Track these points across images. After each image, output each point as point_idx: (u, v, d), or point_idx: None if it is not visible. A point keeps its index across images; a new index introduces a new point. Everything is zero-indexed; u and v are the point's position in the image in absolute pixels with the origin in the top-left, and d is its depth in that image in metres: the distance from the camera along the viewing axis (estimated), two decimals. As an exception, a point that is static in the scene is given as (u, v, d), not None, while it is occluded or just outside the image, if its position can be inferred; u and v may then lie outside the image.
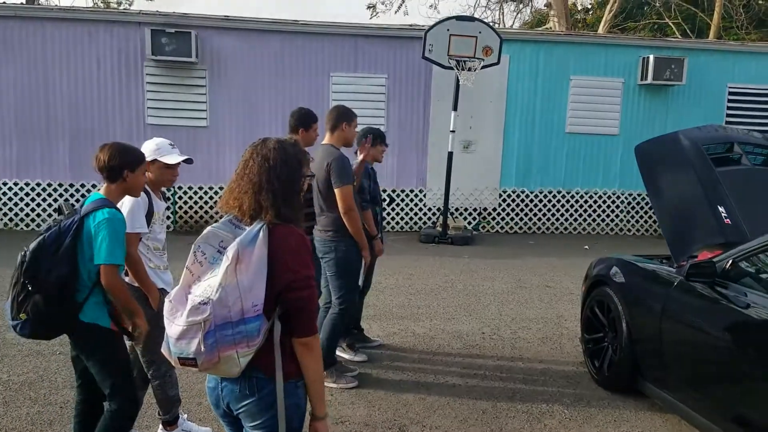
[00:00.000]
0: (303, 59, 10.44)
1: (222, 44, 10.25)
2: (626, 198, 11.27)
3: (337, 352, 4.71)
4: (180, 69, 10.13)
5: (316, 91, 10.46)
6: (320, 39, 10.45)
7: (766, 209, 4.10)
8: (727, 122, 11.02)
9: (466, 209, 11.12)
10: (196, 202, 10.46)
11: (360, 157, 4.52)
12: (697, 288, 3.50)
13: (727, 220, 3.99)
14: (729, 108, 11.14)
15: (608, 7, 18.43)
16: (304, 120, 4.47)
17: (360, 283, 4.37)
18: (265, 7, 42.56)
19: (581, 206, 11.25)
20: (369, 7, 21.35)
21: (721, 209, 4.02)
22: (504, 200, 11.15)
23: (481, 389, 4.33)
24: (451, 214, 10.81)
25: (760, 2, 18.41)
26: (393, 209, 10.99)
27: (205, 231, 1.98)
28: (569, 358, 5.00)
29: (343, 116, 4.28)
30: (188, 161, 3.45)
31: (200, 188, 10.43)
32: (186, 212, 10.47)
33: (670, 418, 3.89)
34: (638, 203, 11.29)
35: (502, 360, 4.93)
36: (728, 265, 3.38)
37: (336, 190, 4.07)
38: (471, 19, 10.16)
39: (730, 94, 11.14)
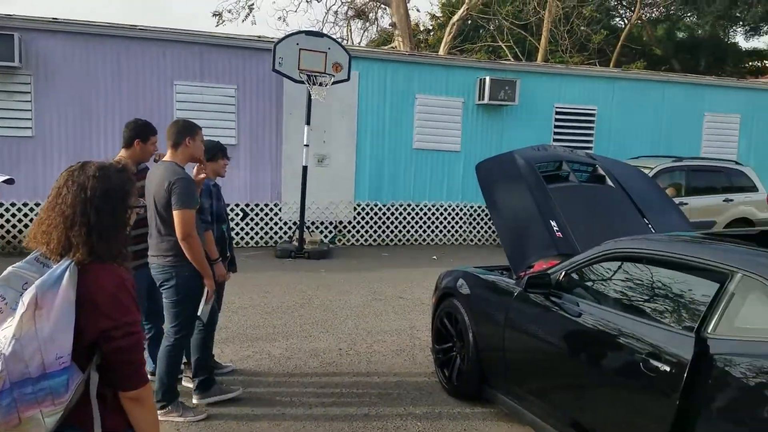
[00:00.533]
0: (143, 66, 9.87)
1: (50, 48, 9.40)
2: (468, 210, 11.91)
3: (183, 382, 4.45)
4: (0, 74, 9.15)
5: (158, 100, 9.94)
6: (162, 45, 9.94)
7: (592, 222, 4.51)
8: (555, 139, 12.05)
9: (322, 223, 11.12)
10: (20, 220, 9.46)
11: (198, 176, 4.11)
12: (535, 299, 3.74)
13: (559, 233, 4.33)
14: (556, 126, 12.19)
15: (447, 29, 19.46)
16: (141, 132, 4.15)
17: (199, 313, 4.00)
18: (103, 10, 39.88)
19: (429, 218, 11.72)
20: (215, 15, 20.72)
21: (553, 223, 4.35)
22: (359, 213, 11.31)
23: (338, 409, 4.31)
24: (308, 227, 10.75)
25: (582, 28, 20.41)
26: (247, 224, 10.71)
27: (5, 271, 1.70)
28: (421, 369, 5.15)
29: (185, 131, 3.92)
30: (9, 182, 3.08)
31: (25, 204, 9.46)
32: (8, 231, 9.43)
33: (516, 425, 4.11)
34: (478, 215, 11.97)
35: (359, 376, 4.95)
36: (561, 276, 3.66)
37: (175, 213, 3.73)
38: (320, 34, 10.22)
39: (557, 113, 12.20)
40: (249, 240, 10.77)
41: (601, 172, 4.93)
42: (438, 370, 4.81)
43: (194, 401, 4.22)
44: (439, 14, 25.85)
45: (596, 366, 3.22)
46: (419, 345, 5.77)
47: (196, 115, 9.44)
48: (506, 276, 4.40)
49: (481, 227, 12.03)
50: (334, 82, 9.77)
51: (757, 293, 2.61)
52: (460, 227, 11.93)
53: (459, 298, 4.56)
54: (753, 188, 10.79)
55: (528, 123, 11.96)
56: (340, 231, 11.27)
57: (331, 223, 11.19)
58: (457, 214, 11.86)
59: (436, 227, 11.77)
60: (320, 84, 9.65)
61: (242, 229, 10.67)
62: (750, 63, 26.94)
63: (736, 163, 11.40)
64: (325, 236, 11.12)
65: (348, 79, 9.91)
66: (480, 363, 4.24)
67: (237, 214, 10.30)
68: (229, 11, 24.81)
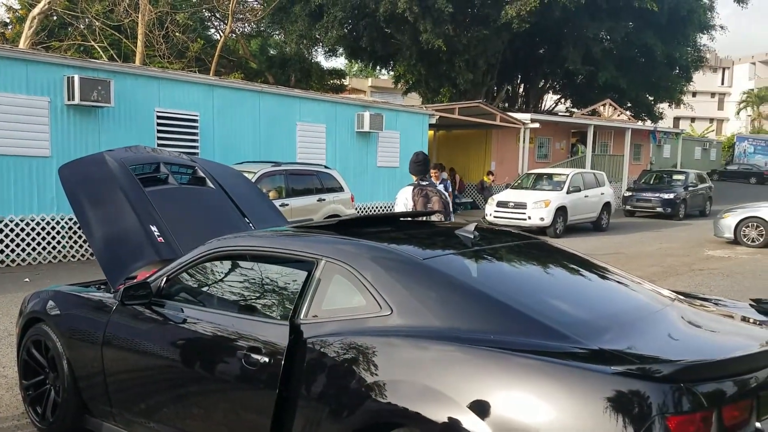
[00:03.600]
0: None
1: None
2: (67, 223, 10.67)
3: None
4: None
5: None
6: None
7: (195, 225, 4.43)
8: (160, 145, 11.63)
9: None
10: None
11: None
12: (135, 311, 3.47)
13: (160, 238, 4.12)
14: (159, 131, 11.80)
15: (27, 23, 17.17)
16: None
17: None
18: None
19: (17, 235, 10.09)
20: None
21: (153, 228, 4.13)
22: None
23: None
24: None
25: (178, 35, 20.27)
26: None
27: None
28: (9, 412, 4.34)
29: None
30: None
31: None
32: None
33: (124, 448, 3.77)
34: (80, 227, 10.82)
35: None
36: (163, 283, 3.47)
37: None
38: None
39: (159, 117, 11.82)
40: None
41: (201, 174, 4.89)
42: (29, 409, 4.11)
43: None
44: (17, 6, 22.69)
45: (204, 372, 3.13)
46: (6, 384, 4.86)
47: None
48: (105, 291, 4.00)
49: (84, 241, 10.89)
50: None
51: (337, 276, 2.88)
52: (58, 243, 10.59)
53: (49, 321, 3.96)
54: (340, 189, 12.28)
55: (128, 127, 11.29)
56: None
57: None
58: (53, 228, 10.49)
59: (28, 245, 10.21)
60: None
61: None
62: (331, 81, 30.79)
63: (326, 167, 12.82)
64: None
65: None
66: (78, 392, 3.76)
67: None
68: None
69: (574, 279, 3.18)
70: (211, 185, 4.84)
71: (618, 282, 3.16)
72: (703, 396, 2.04)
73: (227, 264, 3.43)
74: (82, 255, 10.96)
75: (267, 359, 2.78)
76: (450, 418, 2.25)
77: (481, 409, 2.21)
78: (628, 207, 21.05)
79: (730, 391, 2.12)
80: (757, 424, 2.19)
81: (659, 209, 20.12)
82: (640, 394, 2.00)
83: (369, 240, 3.09)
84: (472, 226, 3.39)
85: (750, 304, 3.06)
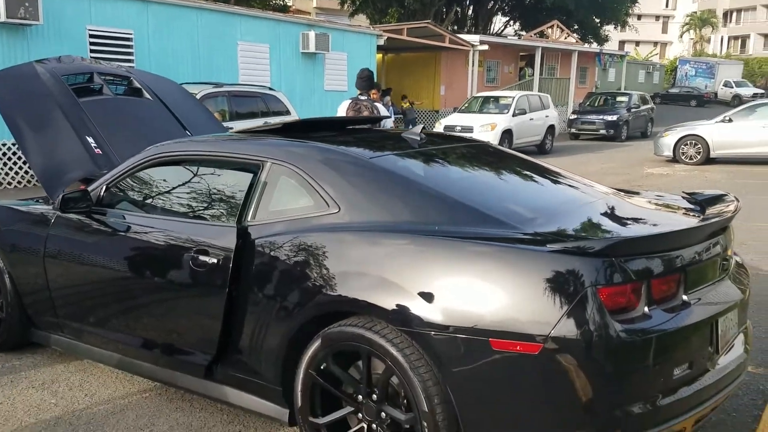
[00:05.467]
0: None
1: None
2: (0, 149, 10.20)
3: None
4: None
5: None
6: None
7: (132, 136, 4.28)
8: (93, 65, 11.09)
9: None
10: None
11: None
12: (77, 222, 3.38)
13: (98, 150, 3.99)
14: (92, 51, 11.19)
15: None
16: None
17: None
18: None
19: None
20: None
21: (89, 139, 3.98)
22: None
23: None
24: None
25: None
26: None
27: None
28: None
29: None
30: None
31: None
32: None
33: (73, 362, 3.76)
34: (14, 153, 10.35)
35: None
36: (103, 192, 3.38)
37: None
38: None
39: (91, 36, 11.20)
40: None
41: (138, 85, 4.70)
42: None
43: None
44: None
45: (153, 277, 3.11)
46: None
47: None
48: (44, 204, 3.88)
49: (20, 167, 10.46)
50: None
51: (283, 178, 2.86)
52: (-9, 170, 10.15)
53: (-12, 238, 3.84)
54: (287, 112, 11.98)
55: (59, 45, 10.63)
56: None
57: None
58: (-15, 154, 10.04)
59: (-43, 174, 9.77)
60: None
61: None
62: (274, 1, 29.55)
63: (270, 89, 12.47)
64: None
65: None
66: (22, 306, 3.70)
67: None
68: None
69: (513, 175, 3.25)
70: (149, 96, 4.66)
71: (554, 177, 3.25)
72: (632, 270, 2.15)
73: (169, 170, 3.35)
74: (18, 182, 10.56)
75: (215, 260, 2.78)
76: (399, 305, 2.32)
77: (428, 293, 2.28)
78: (572, 130, 21.38)
79: (659, 266, 2.25)
80: (684, 297, 2.34)
81: (602, 131, 20.52)
82: (574, 270, 2.11)
83: (315, 142, 3.07)
84: (418, 128, 3.41)
85: (683, 196, 3.21)
